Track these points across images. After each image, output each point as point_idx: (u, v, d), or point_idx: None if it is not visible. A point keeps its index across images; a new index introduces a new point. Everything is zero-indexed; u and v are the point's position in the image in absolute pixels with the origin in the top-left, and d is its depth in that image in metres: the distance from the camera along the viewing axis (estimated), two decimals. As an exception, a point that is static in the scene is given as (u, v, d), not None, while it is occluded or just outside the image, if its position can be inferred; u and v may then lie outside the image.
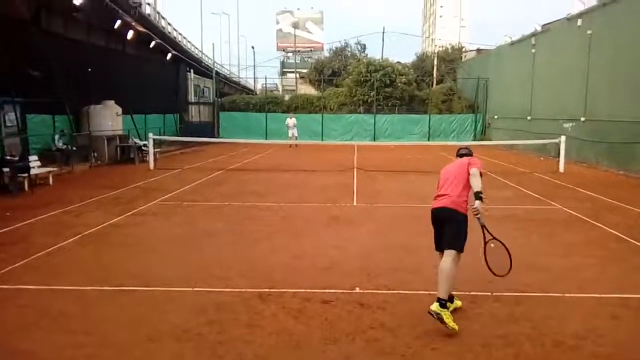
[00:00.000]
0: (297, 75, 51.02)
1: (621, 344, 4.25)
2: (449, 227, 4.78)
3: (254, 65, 46.14)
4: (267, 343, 4.25)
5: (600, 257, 6.85)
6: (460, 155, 5.27)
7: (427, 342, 4.26)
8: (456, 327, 4.39)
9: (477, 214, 4.62)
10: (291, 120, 28.03)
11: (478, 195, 4.63)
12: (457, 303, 4.98)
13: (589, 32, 18.76)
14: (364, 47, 48.14)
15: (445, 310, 4.41)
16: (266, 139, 30.53)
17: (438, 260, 4.86)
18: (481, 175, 4.81)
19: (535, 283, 5.73)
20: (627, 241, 7.67)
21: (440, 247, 4.94)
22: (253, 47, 52.75)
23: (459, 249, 4.72)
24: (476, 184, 4.68)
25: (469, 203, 4.82)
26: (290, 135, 27.48)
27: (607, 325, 4.63)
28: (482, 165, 4.95)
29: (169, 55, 29.61)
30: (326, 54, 52.56)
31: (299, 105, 34.15)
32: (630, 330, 4.54)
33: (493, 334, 4.41)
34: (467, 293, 5.35)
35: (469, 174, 4.79)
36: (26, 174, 12.02)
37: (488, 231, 4.79)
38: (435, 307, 4.37)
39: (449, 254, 4.68)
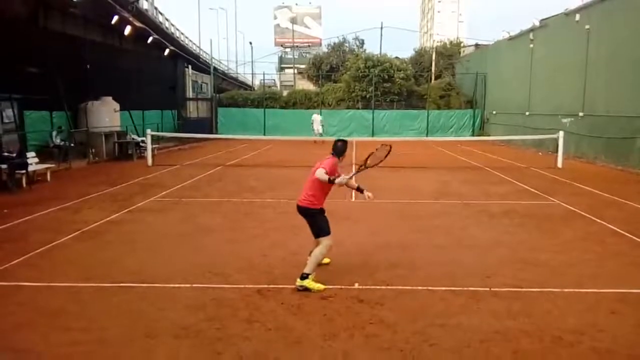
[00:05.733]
0: (295, 71, 50.88)
1: (620, 339, 4.26)
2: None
3: (252, 61, 45.99)
4: (266, 339, 4.25)
5: (598, 253, 6.86)
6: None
7: (425, 338, 4.26)
8: (321, 286, 5.28)
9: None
10: (317, 117, 28.06)
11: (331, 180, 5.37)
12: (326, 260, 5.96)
13: (587, 27, 18.73)
14: (362, 43, 47.95)
15: (306, 280, 5.30)
16: (264, 134, 30.47)
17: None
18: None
19: (534, 278, 5.73)
20: (625, 236, 7.68)
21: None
22: (251, 43, 52.75)
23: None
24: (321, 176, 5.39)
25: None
26: (315, 131, 27.45)
27: (606, 321, 4.64)
28: (329, 164, 5.50)
29: (166, 51, 29.49)
30: (324, 49, 52.29)
31: (297, 101, 34.09)
32: (629, 325, 4.54)
33: (491, 330, 4.41)
34: (465, 288, 5.36)
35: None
36: (24, 171, 11.99)
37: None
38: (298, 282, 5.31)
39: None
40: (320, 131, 27.49)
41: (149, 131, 17.53)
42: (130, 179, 13.51)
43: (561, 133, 16.67)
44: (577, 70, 19.26)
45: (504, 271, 5.99)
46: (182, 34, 36.26)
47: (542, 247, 7.15)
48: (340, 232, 7.92)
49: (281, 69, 64.07)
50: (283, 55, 66.66)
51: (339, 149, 5.66)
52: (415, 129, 31.96)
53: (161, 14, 30.30)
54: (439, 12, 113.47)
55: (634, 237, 7.57)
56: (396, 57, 35.96)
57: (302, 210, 5.60)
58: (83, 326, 4.48)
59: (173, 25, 33.17)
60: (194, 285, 5.50)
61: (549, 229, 8.22)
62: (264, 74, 50.27)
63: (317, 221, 5.57)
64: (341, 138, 5.89)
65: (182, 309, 4.85)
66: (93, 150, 18.18)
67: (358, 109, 32.98)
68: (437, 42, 45.91)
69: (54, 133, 17.12)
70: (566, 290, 5.40)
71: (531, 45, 24.11)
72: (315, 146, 24.67)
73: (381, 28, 39.89)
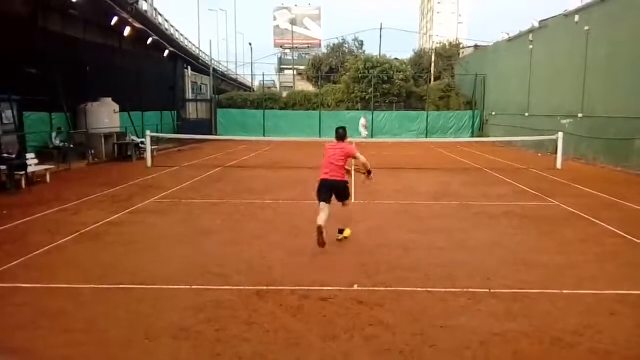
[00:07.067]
0: (295, 72, 50.93)
1: (619, 341, 4.25)
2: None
3: (252, 62, 45.98)
4: (266, 340, 4.25)
5: (598, 254, 6.86)
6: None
7: (425, 340, 4.26)
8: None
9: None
10: (363, 120, 28.34)
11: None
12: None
13: (586, 28, 18.75)
14: (361, 44, 48.02)
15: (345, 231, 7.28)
16: (264, 136, 30.50)
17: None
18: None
19: (533, 280, 5.73)
20: (625, 237, 7.68)
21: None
22: (250, 44, 52.71)
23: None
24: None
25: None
26: (362, 134, 27.74)
27: (605, 322, 4.63)
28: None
29: (166, 52, 29.51)
30: (324, 50, 52.34)
31: (296, 102, 34.12)
32: (628, 327, 4.54)
33: (491, 331, 4.41)
34: (465, 290, 5.36)
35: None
36: (23, 172, 11.98)
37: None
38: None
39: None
40: (365, 133, 27.86)
41: (148, 132, 17.53)
42: (129, 180, 13.51)
43: (560, 134, 16.68)
44: (577, 71, 19.28)
45: (504, 272, 5.99)
46: (182, 35, 36.29)
47: (542, 248, 7.15)
48: (339, 233, 7.93)
49: (281, 70, 64.14)
50: (282, 57, 66.74)
51: (341, 135, 7.30)
52: (414, 130, 32.00)
53: (160, 15, 30.33)
54: (438, 13, 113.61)
55: (634, 239, 7.57)
56: (395, 59, 36.02)
57: (342, 185, 7.12)
58: (82, 327, 4.48)
59: (173, 26, 33.21)
60: (193, 286, 5.50)
61: (549, 231, 8.22)
62: (263, 75, 50.20)
63: (348, 190, 7.32)
64: (341, 126, 7.47)
65: (182, 311, 4.84)
66: (92, 152, 18.19)
67: (357, 110, 32.99)
68: (437, 43, 45.96)
69: (54, 134, 17.13)
70: (566, 291, 5.40)
71: (530, 47, 24.13)
72: (314, 146, 24.72)
73: (380, 29, 39.95)
